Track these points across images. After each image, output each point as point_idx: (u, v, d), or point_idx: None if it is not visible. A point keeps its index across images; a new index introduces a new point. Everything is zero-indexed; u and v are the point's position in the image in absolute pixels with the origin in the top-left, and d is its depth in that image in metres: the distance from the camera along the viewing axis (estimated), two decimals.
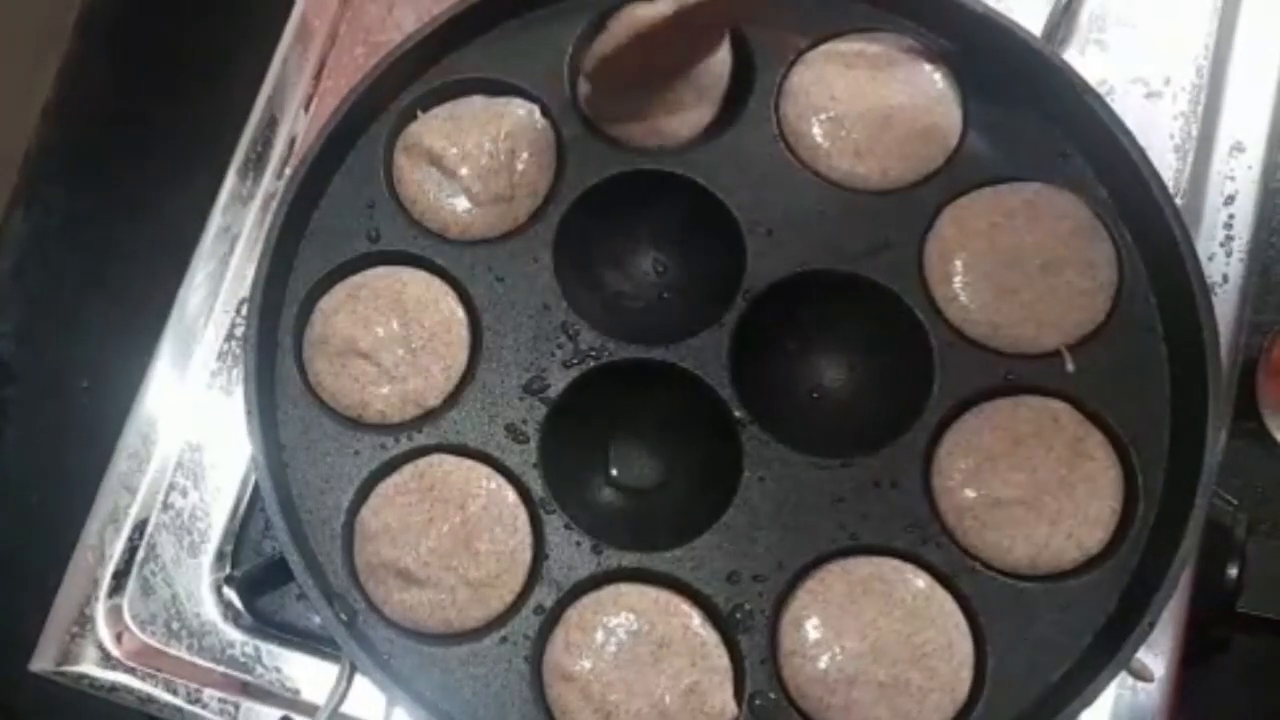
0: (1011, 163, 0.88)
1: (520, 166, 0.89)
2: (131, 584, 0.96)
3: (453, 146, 0.89)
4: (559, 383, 0.86)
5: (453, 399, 0.86)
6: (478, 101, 0.92)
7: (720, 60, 0.91)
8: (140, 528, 0.97)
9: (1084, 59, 0.99)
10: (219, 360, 1.01)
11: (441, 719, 0.80)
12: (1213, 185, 0.96)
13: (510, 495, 0.84)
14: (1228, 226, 0.95)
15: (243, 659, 0.94)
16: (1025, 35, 0.87)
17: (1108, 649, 0.78)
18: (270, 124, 1.06)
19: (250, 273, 0.93)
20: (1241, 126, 0.97)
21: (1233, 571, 0.87)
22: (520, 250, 0.89)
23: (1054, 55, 0.87)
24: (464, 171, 0.89)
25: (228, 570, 0.95)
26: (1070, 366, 0.84)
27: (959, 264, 0.85)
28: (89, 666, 0.95)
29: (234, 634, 0.94)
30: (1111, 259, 0.85)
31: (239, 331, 1.00)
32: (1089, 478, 0.81)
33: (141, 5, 1.16)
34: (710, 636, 0.81)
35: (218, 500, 0.97)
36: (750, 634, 0.81)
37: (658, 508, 0.90)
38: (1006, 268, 0.85)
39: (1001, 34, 0.88)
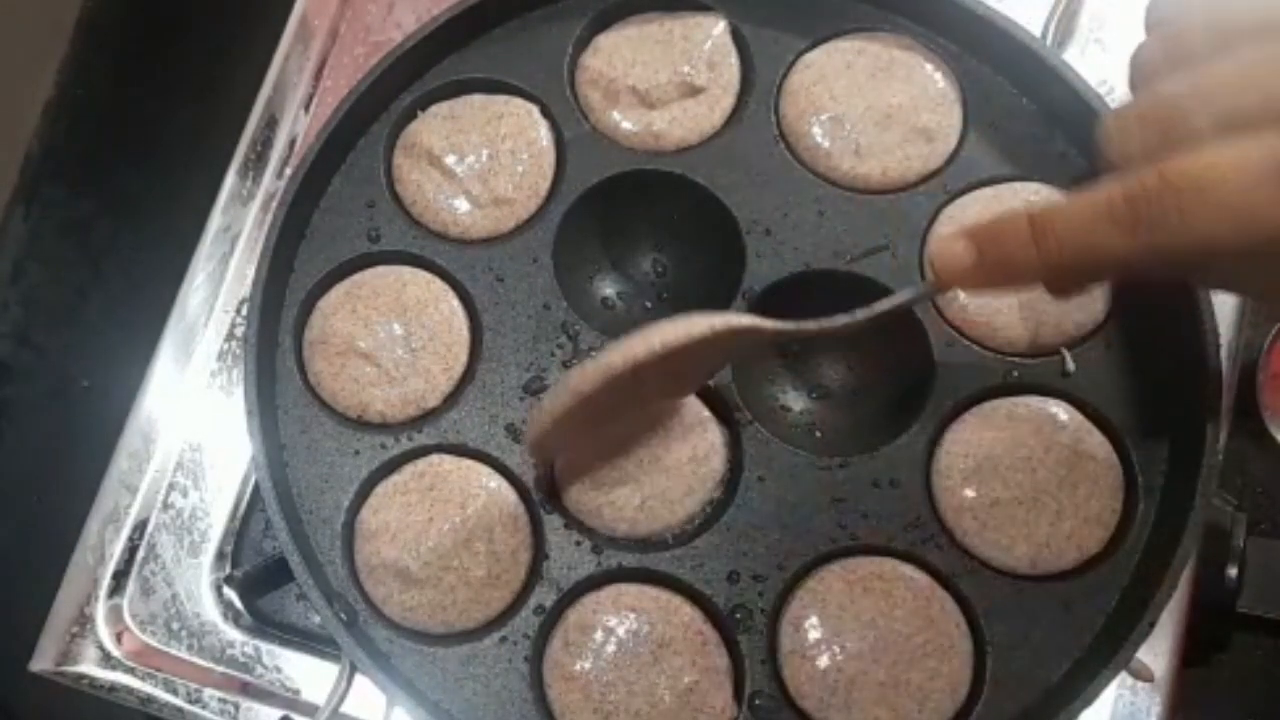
0: (1011, 163, 0.88)
1: (520, 167, 0.89)
2: (131, 584, 0.96)
3: (452, 147, 0.90)
4: None
5: (453, 399, 0.86)
6: (477, 101, 0.92)
7: (732, 66, 0.91)
8: (140, 528, 0.97)
9: (1084, 59, 0.99)
10: (219, 360, 1.01)
11: (441, 719, 0.80)
12: None
13: (510, 495, 0.84)
14: None
15: (243, 659, 0.94)
16: (1025, 35, 0.87)
17: (1108, 649, 0.78)
18: (270, 124, 1.06)
19: (250, 273, 0.93)
20: None
21: (1233, 571, 0.87)
22: (520, 250, 0.89)
23: (1054, 55, 0.87)
24: (463, 172, 0.89)
25: (228, 570, 0.96)
26: (1070, 366, 0.84)
27: None
28: (89, 666, 0.95)
29: (234, 634, 0.94)
30: None
31: (239, 331, 1.01)
32: (1089, 477, 0.81)
33: (141, 5, 1.16)
34: (710, 636, 0.81)
35: (218, 500, 0.97)
36: (750, 634, 0.81)
37: None
38: None
39: (1001, 34, 0.88)
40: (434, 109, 0.92)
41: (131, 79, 1.16)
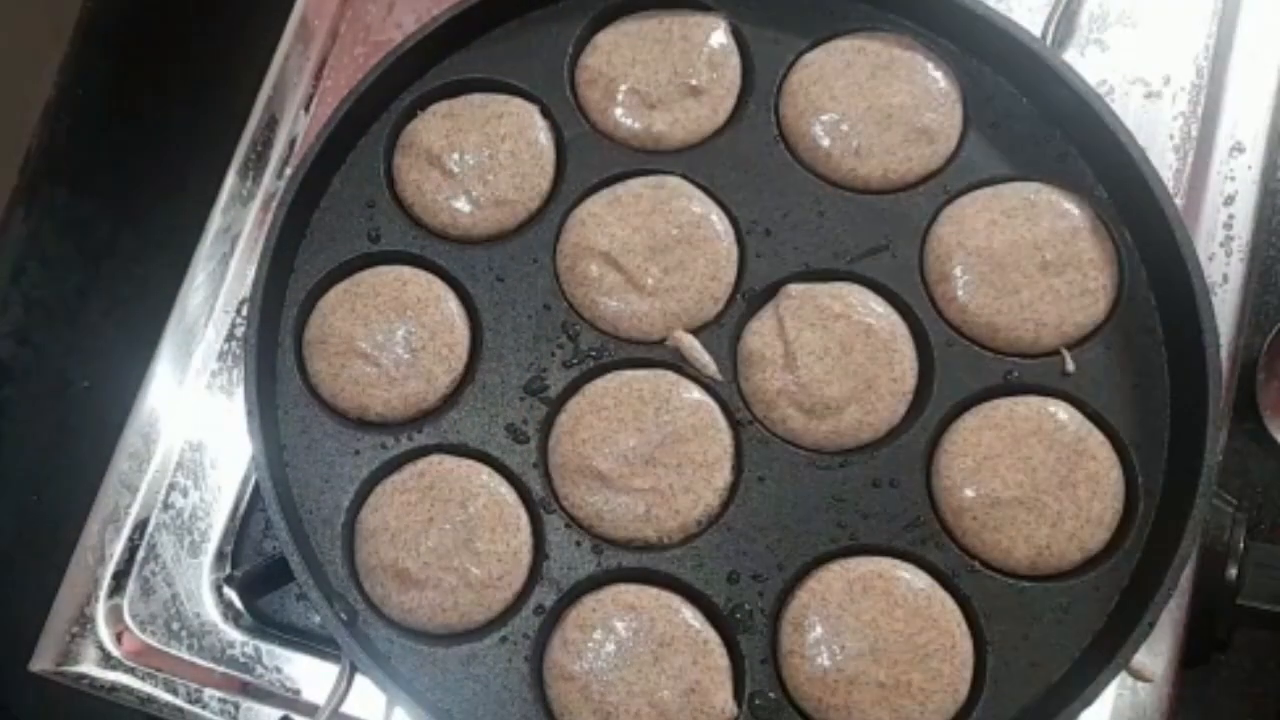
0: (1011, 163, 0.88)
1: (520, 167, 0.89)
2: (131, 584, 0.96)
3: (451, 146, 0.89)
4: (559, 383, 0.86)
5: (453, 399, 0.86)
6: (477, 101, 0.92)
7: (732, 66, 0.91)
8: (140, 528, 0.97)
9: (1084, 59, 0.99)
10: (219, 360, 1.01)
11: (441, 718, 0.80)
12: (1213, 185, 0.96)
13: (510, 495, 0.84)
14: (1228, 226, 0.95)
15: (243, 659, 0.94)
16: (1025, 35, 0.87)
17: (1108, 649, 0.78)
18: (270, 124, 1.06)
19: (250, 273, 0.93)
20: (1241, 126, 0.97)
21: (1233, 571, 0.87)
22: (520, 250, 0.89)
23: (1054, 55, 0.87)
24: (463, 172, 0.89)
25: (228, 570, 0.95)
26: (1070, 366, 0.84)
27: (958, 264, 0.85)
28: (89, 666, 0.95)
29: (234, 634, 0.94)
30: (1111, 259, 0.85)
31: (239, 331, 1.01)
32: (1090, 478, 0.81)
33: (141, 5, 1.16)
34: (710, 636, 0.81)
35: (218, 500, 0.97)
36: (750, 634, 0.81)
37: None
38: (1006, 268, 0.85)
39: (1001, 34, 0.88)
40: (433, 108, 0.92)
41: (131, 79, 1.16)
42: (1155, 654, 0.86)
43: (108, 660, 0.95)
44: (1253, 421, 1.00)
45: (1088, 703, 0.77)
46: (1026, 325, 0.84)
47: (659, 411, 0.84)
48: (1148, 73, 0.98)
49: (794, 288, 0.85)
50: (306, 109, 1.06)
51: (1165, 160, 0.96)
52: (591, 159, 0.90)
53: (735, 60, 0.92)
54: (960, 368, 0.85)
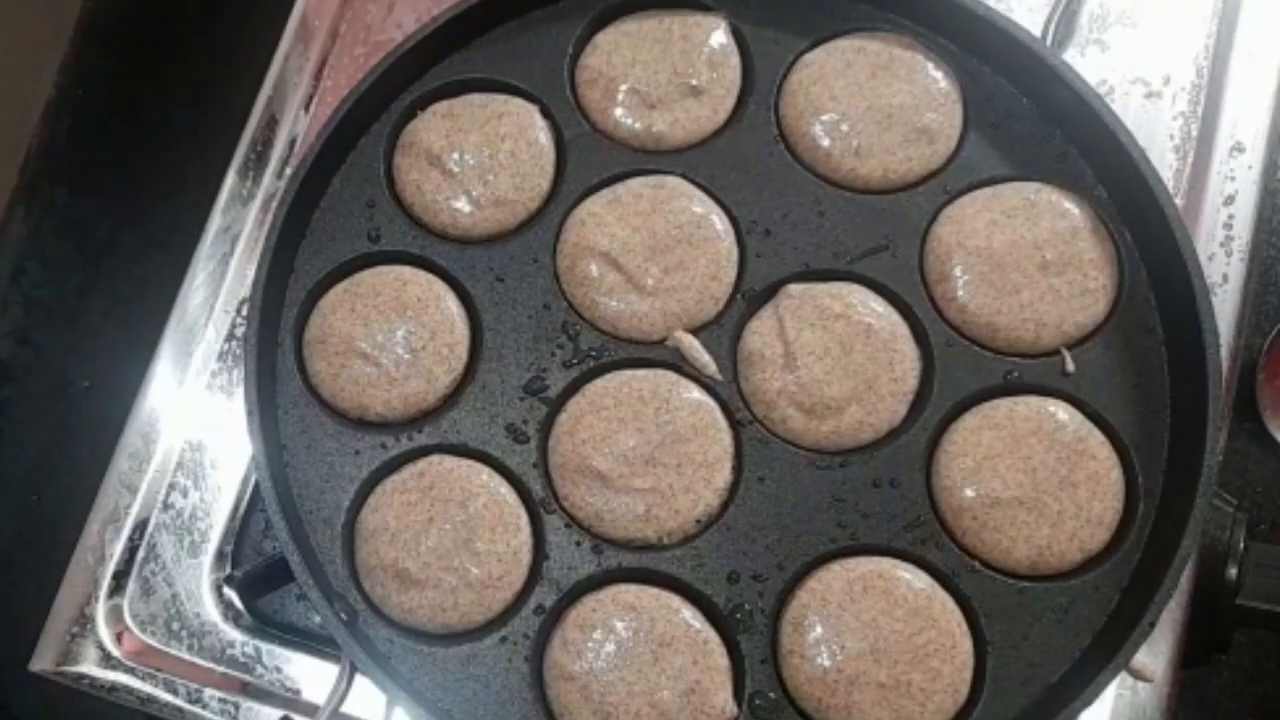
0: (1011, 163, 0.88)
1: (520, 167, 0.89)
2: (131, 584, 0.96)
3: (451, 146, 0.89)
4: (559, 383, 0.86)
5: (453, 399, 0.86)
6: (477, 100, 0.92)
7: (732, 66, 0.91)
8: (140, 528, 0.97)
9: (1084, 59, 0.99)
10: (219, 360, 1.01)
11: (441, 718, 0.80)
12: (1213, 185, 0.96)
13: (510, 495, 0.84)
14: (1228, 226, 0.95)
15: (243, 659, 0.94)
16: (1025, 35, 0.87)
17: (1108, 649, 0.78)
18: (270, 124, 1.06)
19: (250, 273, 0.93)
20: (1241, 126, 0.97)
21: (1232, 571, 0.87)
22: (520, 250, 0.89)
23: (1054, 55, 0.87)
24: (463, 172, 0.89)
25: (228, 570, 0.96)
26: (1070, 366, 0.84)
27: (958, 264, 0.85)
28: (89, 666, 0.95)
29: (234, 634, 0.94)
30: (1111, 259, 0.85)
31: (239, 331, 1.01)
32: (1090, 478, 0.81)
33: (141, 5, 1.16)
34: (710, 636, 0.81)
35: (218, 500, 0.97)
36: (750, 634, 0.81)
37: None
38: (1006, 268, 0.85)
39: (1001, 34, 0.88)
40: (433, 108, 0.92)
41: (131, 79, 1.16)
42: (1155, 654, 0.86)
43: (108, 660, 0.95)
44: (1253, 421, 1.00)
45: (1088, 703, 0.77)
46: (1026, 325, 0.84)
47: (659, 411, 0.84)
48: (1148, 73, 0.99)
49: (794, 288, 0.86)
50: (306, 109, 1.06)
51: (1165, 160, 0.96)
52: (591, 159, 0.90)
53: (735, 60, 0.92)
54: (960, 368, 0.85)
